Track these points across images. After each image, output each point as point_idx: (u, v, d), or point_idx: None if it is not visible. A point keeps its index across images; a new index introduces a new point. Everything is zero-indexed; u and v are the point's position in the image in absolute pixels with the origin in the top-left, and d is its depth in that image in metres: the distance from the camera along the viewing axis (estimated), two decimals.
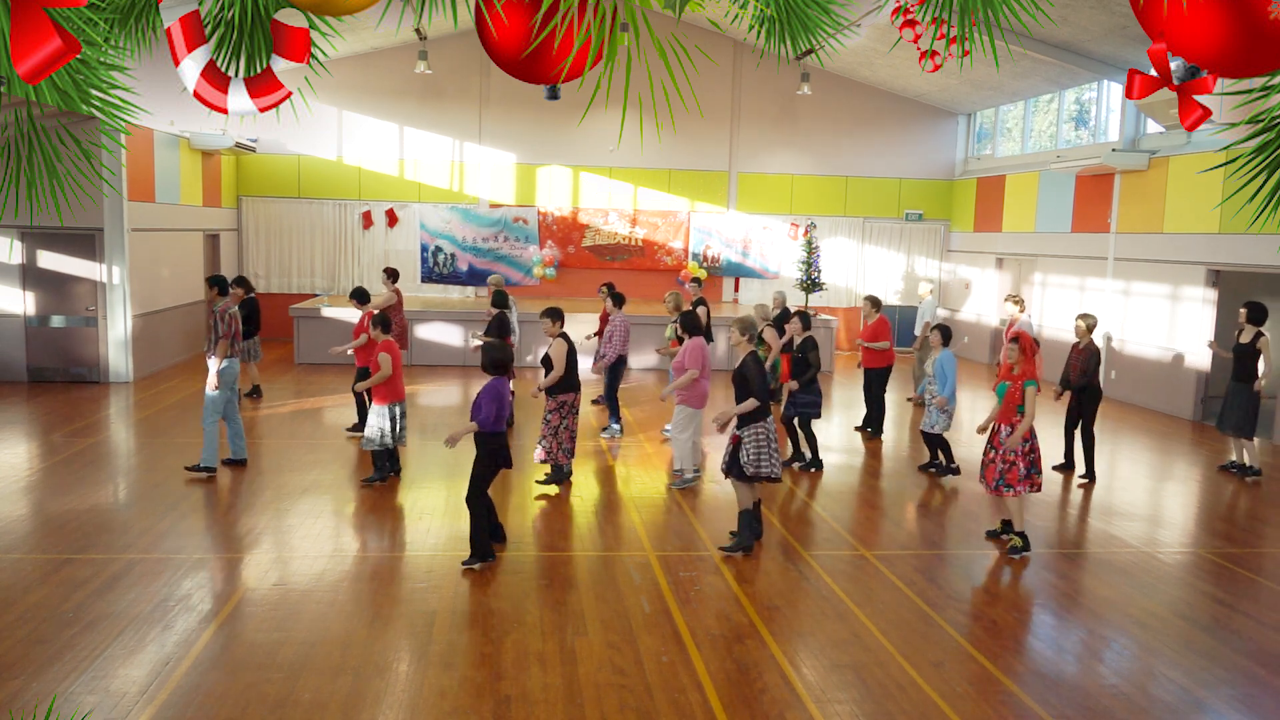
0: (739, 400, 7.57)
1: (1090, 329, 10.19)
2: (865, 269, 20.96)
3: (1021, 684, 5.56)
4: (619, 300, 11.53)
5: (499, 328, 11.41)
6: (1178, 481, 10.61)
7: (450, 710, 5.03)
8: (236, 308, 9.61)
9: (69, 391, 13.42)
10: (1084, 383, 10.12)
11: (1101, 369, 10.48)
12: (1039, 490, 7.90)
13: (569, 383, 9.14)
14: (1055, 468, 10.42)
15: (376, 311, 9.46)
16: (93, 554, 7.14)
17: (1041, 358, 7.89)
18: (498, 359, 7.18)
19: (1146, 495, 10.04)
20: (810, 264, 18.71)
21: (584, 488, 9.45)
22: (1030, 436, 7.73)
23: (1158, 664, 5.90)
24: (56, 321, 14.10)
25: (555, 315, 9.35)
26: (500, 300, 11.68)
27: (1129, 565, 7.66)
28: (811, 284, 18.68)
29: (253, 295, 12.62)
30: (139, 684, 5.19)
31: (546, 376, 9.10)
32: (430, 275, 19.77)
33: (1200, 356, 13.64)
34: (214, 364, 9.11)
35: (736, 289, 20.70)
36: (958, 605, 6.73)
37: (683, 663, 5.66)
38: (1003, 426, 7.78)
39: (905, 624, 6.34)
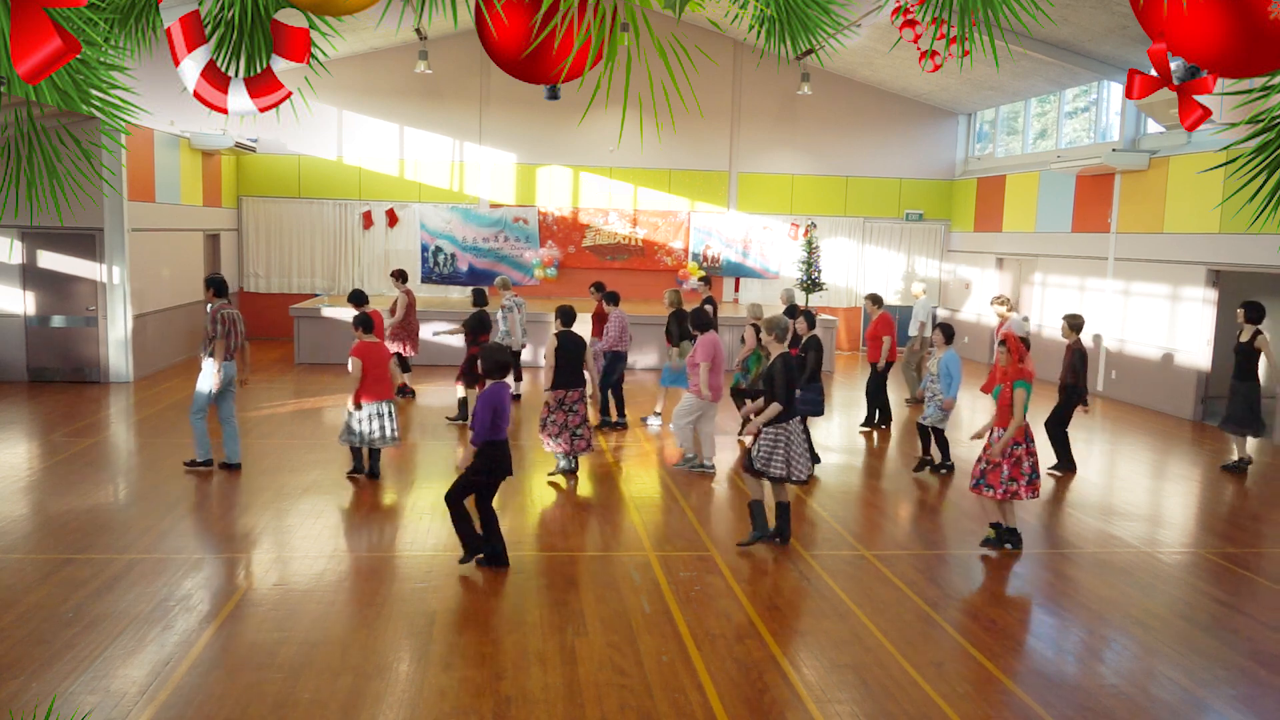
0: (766, 402, 7.65)
1: (1075, 328, 10.27)
2: (865, 269, 20.96)
3: (1021, 684, 5.56)
4: (613, 298, 11.92)
5: (479, 326, 11.94)
6: (1178, 481, 10.60)
7: (450, 710, 5.03)
8: (235, 309, 9.53)
9: (69, 391, 13.42)
10: (1070, 382, 10.23)
11: (1089, 369, 10.57)
12: (1036, 496, 7.71)
13: (567, 379, 9.31)
14: (1050, 469, 10.43)
15: (356, 313, 9.55)
16: (93, 554, 7.14)
17: (1030, 358, 7.95)
18: (499, 361, 6.96)
19: (1146, 495, 10.04)
20: (810, 264, 18.71)
21: (584, 487, 9.46)
22: (1024, 440, 7.58)
23: (1158, 664, 5.90)
24: (57, 321, 14.10)
25: (556, 313, 9.68)
26: (478, 299, 12.25)
27: (1129, 565, 7.65)
28: (812, 284, 18.68)
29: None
30: (139, 684, 5.19)
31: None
32: (430, 275, 19.77)
33: (1200, 356, 13.65)
34: (210, 364, 9.13)
35: (737, 289, 20.70)
36: (958, 605, 6.73)
37: (683, 663, 5.66)
38: (997, 430, 7.68)
39: (905, 624, 6.34)
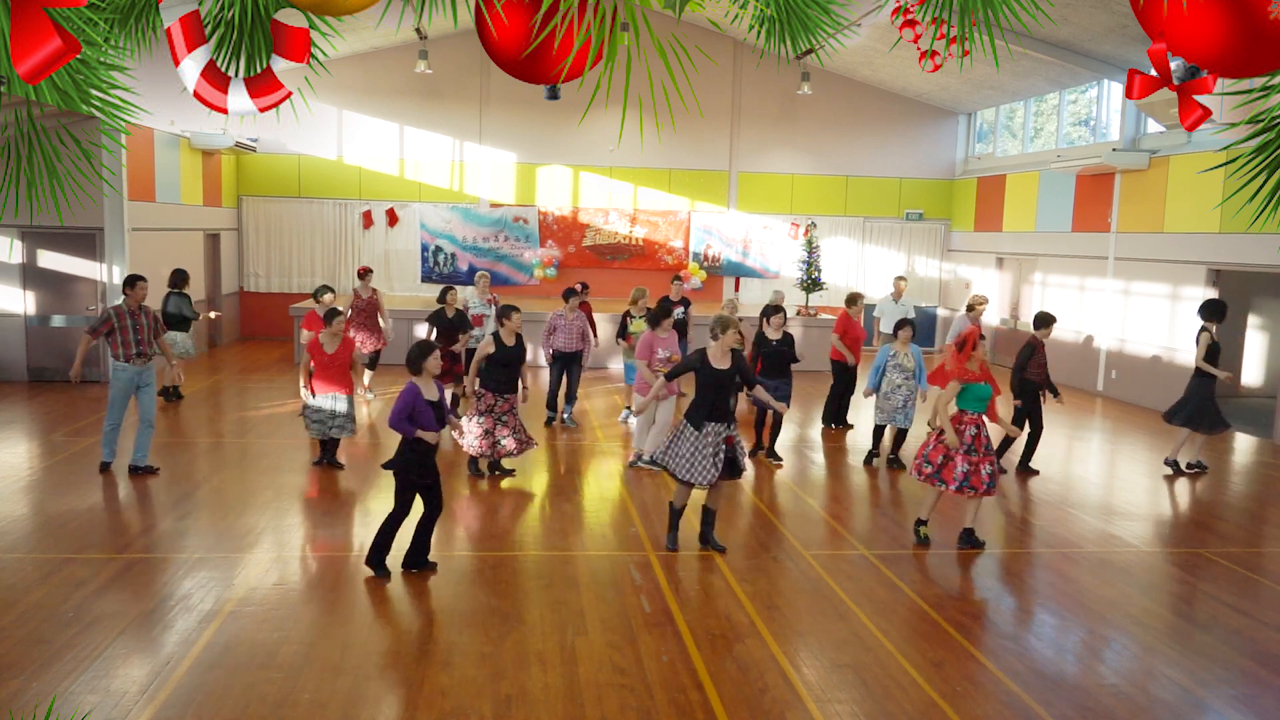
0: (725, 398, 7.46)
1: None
2: (866, 269, 20.96)
3: (1021, 684, 5.56)
4: (566, 296, 11.75)
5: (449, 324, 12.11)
6: (1177, 481, 10.60)
7: (450, 710, 5.03)
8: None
9: (69, 391, 13.41)
10: (1045, 378, 10.33)
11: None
12: (992, 495, 7.75)
13: (504, 381, 9.22)
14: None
15: (331, 307, 9.69)
16: (93, 554, 7.14)
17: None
18: (409, 356, 6.78)
19: (1146, 495, 10.04)
20: (810, 264, 18.71)
21: (583, 487, 9.46)
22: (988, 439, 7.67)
23: (1158, 664, 5.90)
24: (57, 321, 14.10)
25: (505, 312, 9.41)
26: (441, 298, 12.26)
27: (1129, 565, 7.65)
28: (812, 283, 18.68)
29: (185, 292, 12.79)
30: (139, 684, 5.19)
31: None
32: (430, 275, 19.77)
33: None
34: (151, 365, 9.33)
35: (737, 289, 20.70)
36: (958, 605, 6.73)
37: (683, 662, 5.66)
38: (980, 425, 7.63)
39: (905, 624, 6.34)
